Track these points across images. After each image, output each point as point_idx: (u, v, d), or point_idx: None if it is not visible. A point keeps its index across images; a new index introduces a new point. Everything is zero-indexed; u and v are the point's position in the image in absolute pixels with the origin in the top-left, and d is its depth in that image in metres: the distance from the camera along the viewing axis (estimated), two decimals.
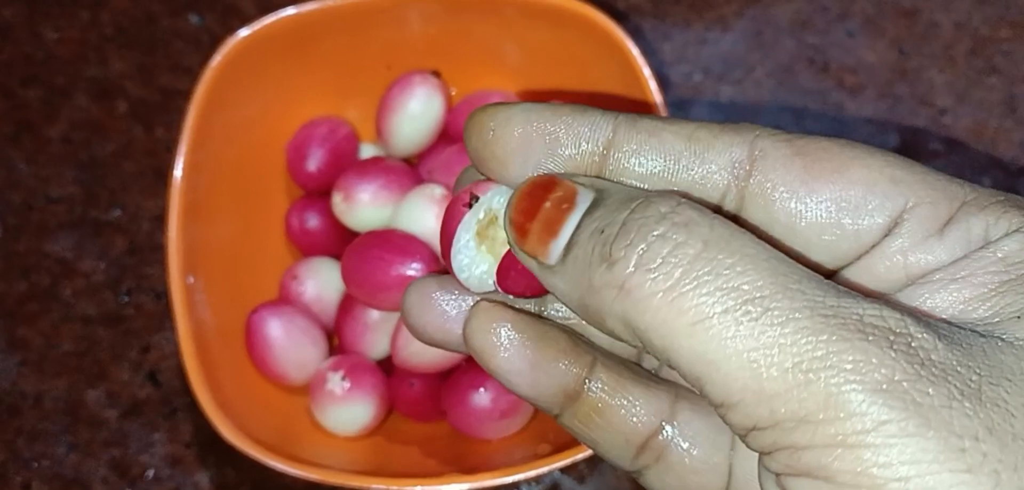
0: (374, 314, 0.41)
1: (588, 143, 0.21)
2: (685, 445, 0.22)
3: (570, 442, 0.37)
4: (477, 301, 0.22)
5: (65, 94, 0.51)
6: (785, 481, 0.18)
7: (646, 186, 0.21)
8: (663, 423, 0.22)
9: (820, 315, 0.18)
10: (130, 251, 0.48)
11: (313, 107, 0.45)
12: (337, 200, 0.42)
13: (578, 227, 0.20)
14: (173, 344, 0.46)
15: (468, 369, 0.40)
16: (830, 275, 0.21)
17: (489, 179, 0.22)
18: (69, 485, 0.44)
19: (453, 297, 0.23)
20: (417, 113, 0.44)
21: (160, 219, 0.48)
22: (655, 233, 0.19)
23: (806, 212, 0.21)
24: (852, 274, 0.21)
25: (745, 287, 0.18)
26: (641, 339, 0.19)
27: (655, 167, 0.21)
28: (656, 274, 0.18)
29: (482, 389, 0.40)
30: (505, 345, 0.22)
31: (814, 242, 0.21)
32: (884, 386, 0.17)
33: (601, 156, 0.21)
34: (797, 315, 0.18)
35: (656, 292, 0.18)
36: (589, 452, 0.37)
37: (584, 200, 0.20)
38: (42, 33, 0.53)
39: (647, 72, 0.41)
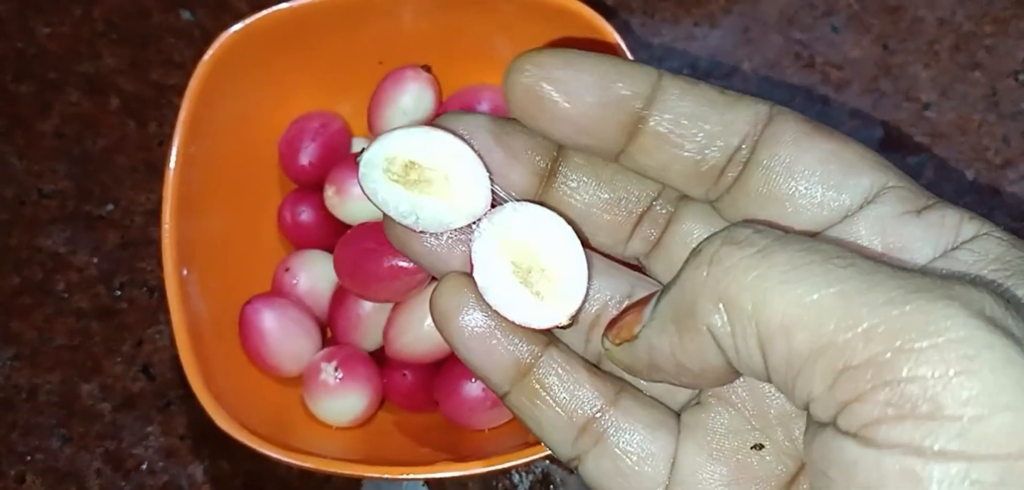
0: (367, 306, 0.41)
1: (641, 84, 0.22)
2: (626, 429, 0.23)
3: None
4: (447, 275, 0.23)
5: (57, 89, 0.51)
6: (879, 431, 0.17)
7: (685, 122, 0.22)
8: (606, 406, 0.23)
9: (903, 270, 0.18)
10: (123, 245, 0.48)
11: (306, 102, 0.45)
12: (329, 193, 0.42)
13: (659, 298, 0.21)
14: (166, 338, 0.46)
15: (460, 360, 0.41)
16: (815, 234, 0.22)
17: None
18: (63, 478, 0.44)
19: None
20: (409, 108, 0.44)
21: (153, 214, 0.49)
22: (737, 225, 0.20)
23: (803, 157, 0.22)
24: (834, 235, 0.22)
25: (830, 249, 0.19)
26: (733, 312, 0.19)
27: (694, 108, 0.22)
28: (742, 243, 0.19)
29: (474, 379, 0.40)
30: (468, 309, 0.23)
31: (804, 193, 0.22)
32: (985, 314, 0.17)
33: (650, 96, 0.22)
34: (882, 269, 0.18)
35: (744, 254, 0.19)
36: None
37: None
38: (34, 28, 0.53)
39: None
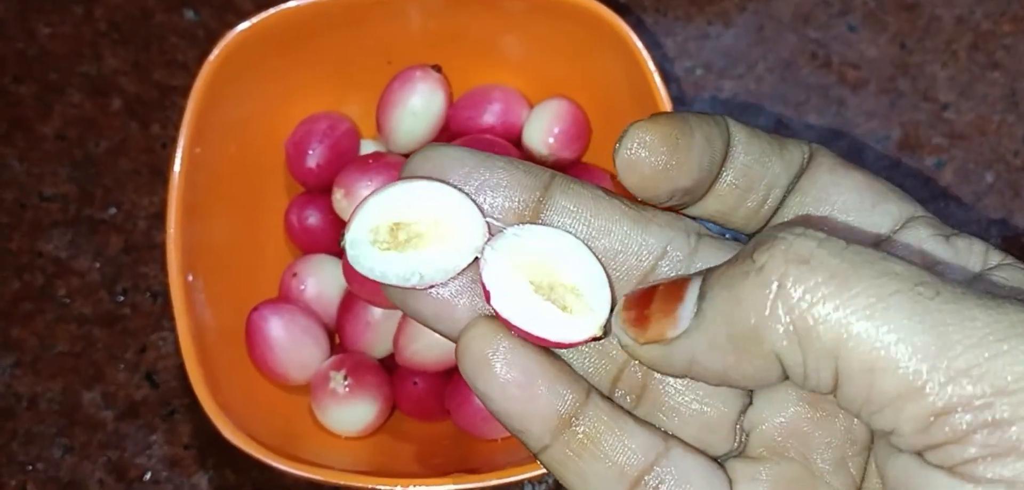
0: (376, 312, 0.40)
1: (723, 139, 0.22)
2: (680, 481, 0.22)
3: None
4: (474, 320, 0.22)
5: (59, 91, 0.50)
6: (975, 467, 0.17)
7: (756, 168, 0.22)
8: (658, 457, 0.22)
9: (988, 296, 0.17)
10: (126, 250, 0.47)
11: (313, 103, 0.44)
12: (338, 196, 0.41)
13: (705, 279, 0.20)
14: (170, 344, 0.46)
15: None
16: None
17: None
18: (65, 488, 0.43)
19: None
20: (419, 108, 0.43)
21: (156, 217, 0.48)
22: (795, 231, 0.18)
23: (840, 183, 0.22)
24: None
25: (907, 273, 0.18)
26: (807, 344, 0.18)
27: (759, 154, 0.22)
28: (812, 264, 0.18)
29: None
30: (503, 355, 0.21)
31: (839, 217, 0.22)
32: None
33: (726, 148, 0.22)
34: (968, 296, 0.17)
35: (818, 281, 0.18)
36: None
37: (697, 275, 0.20)
38: (35, 29, 0.52)
39: (651, 65, 0.40)
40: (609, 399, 0.22)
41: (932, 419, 0.17)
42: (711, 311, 0.19)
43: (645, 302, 0.21)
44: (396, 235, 0.21)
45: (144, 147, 0.49)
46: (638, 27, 0.52)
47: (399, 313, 0.40)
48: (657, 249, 0.22)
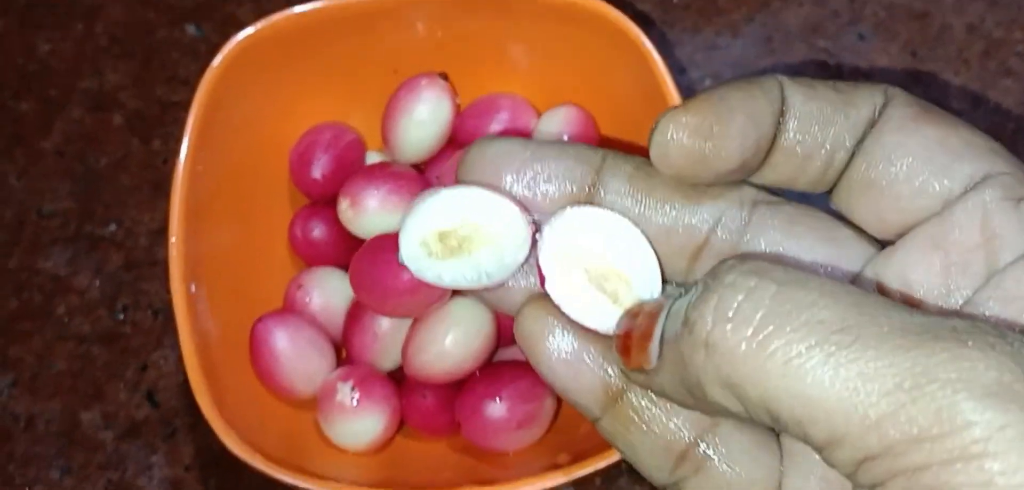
0: (384, 323, 0.39)
1: (774, 103, 0.21)
2: (727, 457, 0.22)
3: (585, 455, 0.36)
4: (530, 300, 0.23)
5: (59, 106, 0.50)
6: None
7: (816, 130, 0.21)
8: (705, 432, 0.22)
9: (912, 333, 0.17)
10: (126, 266, 0.47)
11: (317, 113, 0.43)
12: (343, 206, 0.40)
13: (666, 322, 0.20)
14: (172, 363, 0.45)
15: (482, 378, 0.39)
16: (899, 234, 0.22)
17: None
18: None
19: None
20: (425, 118, 0.42)
21: (158, 233, 0.47)
22: (726, 281, 0.19)
23: (907, 143, 0.21)
24: (932, 224, 0.21)
25: (830, 319, 0.18)
26: (740, 397, 0.18)
27: (820, 113, 0.21)
28: (735, 322, 0.18)
29: (498, 399, 0.38)
30: (553, 332, 0.22)
31: (904, 180, 0.21)
32: (995, 390, 0.16)
33: (779, 111, 0.21)
34: (889, 337, 0.17)
35: (740, 340, 0.18)
36: (607, 461, 0.36)
37: (669, 301, 0.21)
38: (35, 44, 0.51)
39: (663, 69, 0.39)
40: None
41: (859, 463, 0.17)
42: (668, 355, 0.20)
43: (628, 332, 0.21)
44: (447, 242, 0.22)
45: (145, 163, 0.48)
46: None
47: (407, 323, 0.39)
48: (710, 221, 0.22)
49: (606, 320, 0.22)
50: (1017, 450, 0.16)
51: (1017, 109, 0.51)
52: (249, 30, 0.40)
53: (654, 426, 0.22)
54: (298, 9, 0.40)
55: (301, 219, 0.42)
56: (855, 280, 0.22)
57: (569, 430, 0.39)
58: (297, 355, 0.39)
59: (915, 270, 0.21)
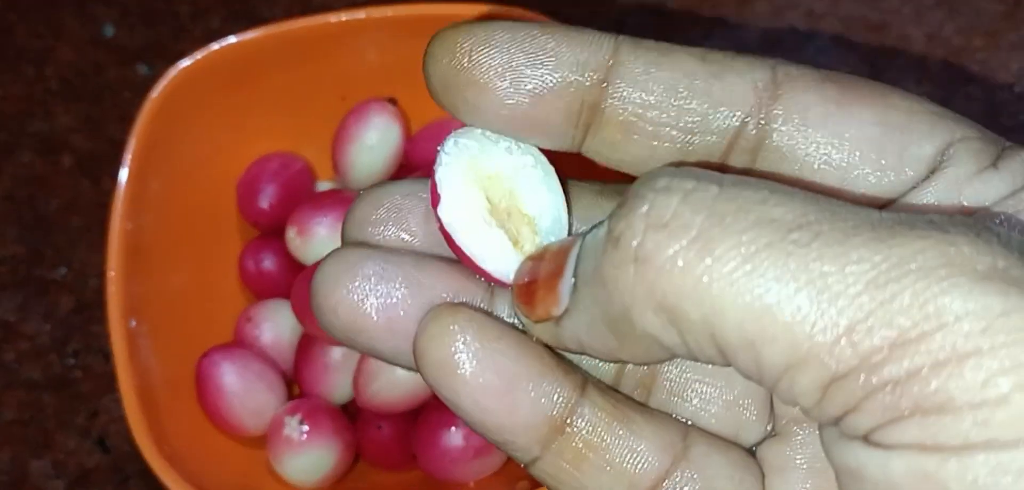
0: (335, 353, 0.38)
1: (585, 67, 0.17)
2: (704, 485, 0.18)
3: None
4: (437, 306, 0.18)
5: (8, 150, 0.49)
6: (884, 433, 0.14)
7: (656, 118, 0.18)
8: (674, 462, 0.18)
9: (884, 226, 0.14)
10: (77, 310, 0.46)
11: (266, 144, 0.43)
12: (291, 235, 0.39)
13: (581, 251, 0.17)
14: (124, 407, 0.43)
15: (437, 406, 0.38)
16: None
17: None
18: None
19: (396, 280, 0.18)
20: (374, 143, 0.42)
21: None
22: (658, 186, 0.16)
23: (846, 134, 0.17)
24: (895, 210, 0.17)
25: (786, 216, 0.15)
26: (678, 322, 0.15)
27: (665, 90, 0.18)
28: (672, 227, 0.15)
29: (454, 428, 0.37)
30: (473, 355, 0.17)
31: (854, 175, 0.17)
32: (989, 274, 0.14)
33: (600, 81, 0.18)
34: (857, 230, 0.14)
35: (678, 249, 0.15)
36: None
37: (581, 237, 0.17)
38: None
39: None
40: (611, 389, 0.19)
41: (826, 387, 0.15)
42: (585, 291, 0.17)
43: (534, 274, 0.18)
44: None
45: (96, 203, 0.47)
46: None
47: (358, 353, 0.38)
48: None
49: (504, 263, 0.18)
50: (1021, 342, 0.13)
51: (983, 117, 0.50)
52: (189, 60, 0.39)
53: (612, 457, 0.18)
54: (240, 37, 0.40)
55: (251, 251, 0.41)
56: None
57: None
58: (245, 390, 0.38)
59: None
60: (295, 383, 0.41)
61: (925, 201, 0.17)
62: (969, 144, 0.17)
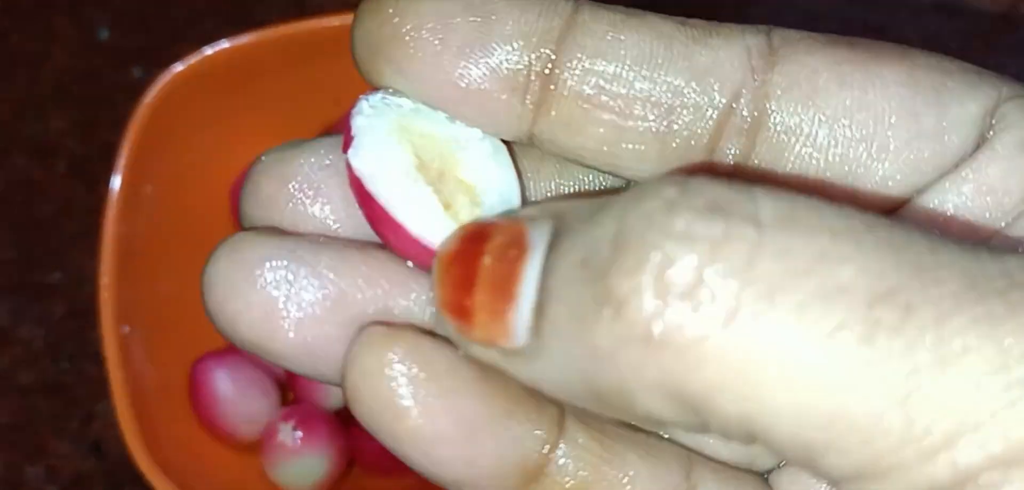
0: None
1: (535, 34, 0.14)
2: None
3: None
4: (368, 326, 0.14)
5: (1, 155, 0.49)
6: None
7: (624, 93, 0.14)
8: None
9: (994, 292, 0.11)
10: (71, 315, 0.45)
11: (259, 148, 0.42)
12: None
13: (545, 274, 0.13)
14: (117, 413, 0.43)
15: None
16: (901, 206, 0.15)
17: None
18: None
19: (311, 284, 0.14)
20: None
21: None
22: (676, 228, 0.11)
23: (867, 99, 0.14)
24: (936, 198, 0.14)
25: (859, 282, 0.11)
26: (701, 411, 0.12)
27: (634, 57, 0.14)
28: (700, 299, 0.11)
29: None
30: (419, 398, 0.14)
31: (881, 151, 0.14)
32: None
33: (554, 51, 0.15)
34: (960, 301, 0.11)
35: (709, 327, 0.11)
36: None
37: (540, 234, 0.13)
38: None
39: None
40: (596, 417, 0.15)
41: None
42: (556, 343, 0.12)
43: (467, 281, 0.13)
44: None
45: (90, 208, 0.47)
46: None
47: None
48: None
49: (430, 226, 0.15)
50: None
51: None
52: (183, 64, 0.39)
53: None
54: (234, 41, 0.40)
55: None
56: None
57: None
58: (239, 397, 0.38)
59: None
60: (289, 389, 0.40)
61: (985, 178, 0.14)
62: (1018, 105, 0.14)
